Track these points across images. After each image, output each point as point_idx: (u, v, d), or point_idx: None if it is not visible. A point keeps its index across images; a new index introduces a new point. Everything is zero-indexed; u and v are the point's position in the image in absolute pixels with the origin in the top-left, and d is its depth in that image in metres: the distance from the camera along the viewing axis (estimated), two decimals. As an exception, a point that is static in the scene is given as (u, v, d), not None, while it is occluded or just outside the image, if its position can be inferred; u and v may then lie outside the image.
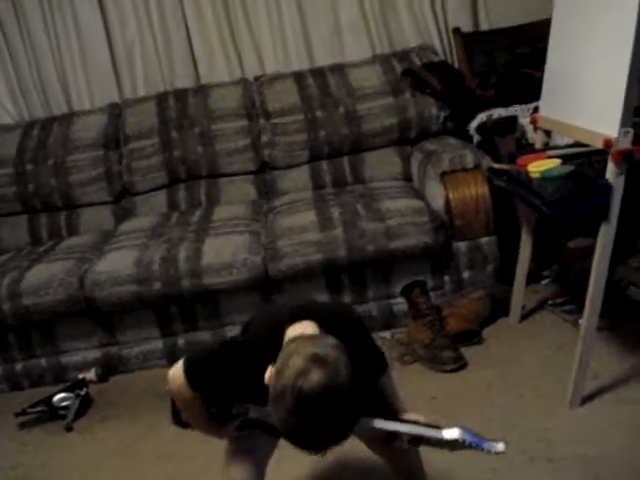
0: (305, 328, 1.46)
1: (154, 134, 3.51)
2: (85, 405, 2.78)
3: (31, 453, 2.57)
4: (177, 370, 1.59)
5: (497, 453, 1.46)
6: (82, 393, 2.78)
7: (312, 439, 1.34)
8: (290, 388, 1.30)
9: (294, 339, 1.41)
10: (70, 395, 2.76)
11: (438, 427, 1.50)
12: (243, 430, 1.64)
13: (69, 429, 2.66)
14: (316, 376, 1.30)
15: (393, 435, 1.51)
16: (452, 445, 1.48)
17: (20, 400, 2.86)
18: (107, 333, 2.98)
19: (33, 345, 3.01)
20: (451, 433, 1.46)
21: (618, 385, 2.29)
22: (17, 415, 2.75)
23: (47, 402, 2.75)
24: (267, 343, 1.48)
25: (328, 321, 1.52)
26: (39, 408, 2.75)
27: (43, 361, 3.02)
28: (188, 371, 1.58)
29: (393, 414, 1.59)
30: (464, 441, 1.46)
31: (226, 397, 1.64)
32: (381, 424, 1.51)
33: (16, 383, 3.04)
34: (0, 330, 2.97)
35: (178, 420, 1.80)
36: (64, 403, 2.74)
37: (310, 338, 1.42)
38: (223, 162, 3.49)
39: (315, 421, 1.31)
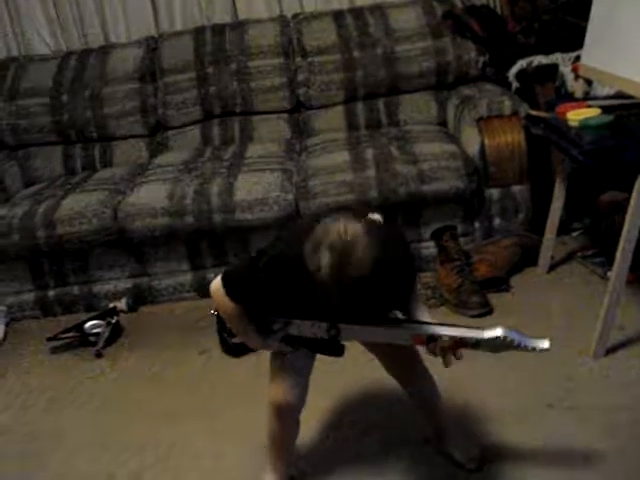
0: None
1: (190, 69, 3.50)
2: (115, 333, 2.83)
3: (61, 377, 2.64)
4: (217, 282, 1.59)
5: (542, 350, 1.45)
6: (113, 321, 2.83)
7: (351, 297, 1.32)
8: (335, 234, 1.31)
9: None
10: (101, 323, 2.82)
11: (479, 328, 1.48)
12: (286, 345, 1.64)
13: (99, 355, 2.72)
14: (364, 229, 1.32)
15: (434, 339, 1.48)
16: (495, 346, 1.45)
17: (52, 326, 2.94)
18: (138, 264, 3.03)
19: (66, 273, 3.06)
20: (493, 332, 1.43)
21: (643, 338, 2.29)
22: (49, 340, 2.82)
23: (78, 328, 2.81)
24: (302, 246, 1.40)
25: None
26: (70, 334, 2.82)
27: (75, 289, 3.08)
28: (227, 282, 1.58)
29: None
30: (506, 338, 1.43)
31: (266, 307, 1.61)
32: (421, 328, 1.51)
33: (49, 309, 3.11)
34: (34, 257, 3.03)
35: (229, 348, 1.80)
36: (95, 330, 2.80)
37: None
38: (258, 99, 3.48)
39: (353, 272, 1.29)
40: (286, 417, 1.74)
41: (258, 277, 1.53)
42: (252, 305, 1.59)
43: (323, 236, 1.33)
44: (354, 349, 1.72)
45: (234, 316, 1.61)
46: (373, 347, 1.79)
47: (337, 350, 1.61)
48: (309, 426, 2.00)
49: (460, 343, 1.47)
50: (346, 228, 1.32)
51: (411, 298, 1.59)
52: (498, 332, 1.43)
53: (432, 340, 1.48)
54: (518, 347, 1.44)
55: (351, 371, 2.17)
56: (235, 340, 1.75)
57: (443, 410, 1.86)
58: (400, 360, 1.77)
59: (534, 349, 1.44)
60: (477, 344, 1.46)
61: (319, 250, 1.32)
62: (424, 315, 1.57)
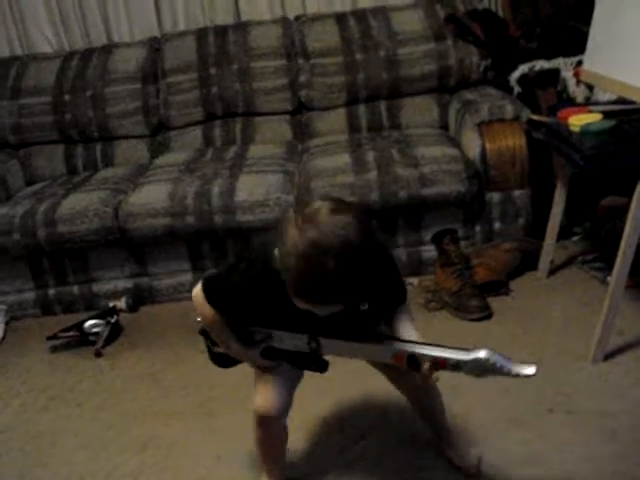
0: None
1: (192, 69, 3.51)
2: (115, 332, 2.84)
3: (61, 376, 2.64)
4: (197, 289, 1.59)
5: (527, 376, 1.37)
6: (112, 321, 2.83)
7: (318, 285, 1.30)
8: (301, 228, 1.30)
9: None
10: (101, 322, 2.82)
11: (464, 350, 1.43)
12: (267, 358, 1.63)
13: (98, 355, 2.72)
14: (331, 215, 1.30)
15: (414, 359, 1.44)
16: (478, 369, 1.39)
17: (52, 325, 2.93)
18: (139, 264, 3.03)
19: (66, 272, 3.07)
20: (477, 354, 1.38)
21: (643, 343, 2.29)
22: (49, 339, 2.82)
23: (78, 327, 2.82)
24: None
25: None
26: (70, 333, 2.82)
27: (75, 288, 3.08)
28: (206, 288, 1.57)
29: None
30: (488, 361, 1.37)
31: (246, 315, 1.59)
32: (403, 346, 1.47)
33: (48, 308, 3.12)
34: (35, 256, 3.03)
35: (213, 357, 1.77)
36: (95, 329, 2.80)
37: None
38: (260, 101, 3.48)
39: (321, 262, 1.27)
40: (270, 426, 1.73)
41: (236, 283, 1.53)
42: (231, 312, 1.58)
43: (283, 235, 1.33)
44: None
45: (214, 323, 1.60)
46: (377, 364, 1.77)
47: (320, 365, 1.59)
48: (307, 429, 2.01)
49: (442, 365, 1.43)
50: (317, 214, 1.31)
51: (397, 311, 1.58)
52: (482, 354, 1.38)
53: (413, 360, 1.44)
54: (501, 371, 1.38)
55: (349, 373, 2.17)
56: (218, 349, 1.71)
57: (446, 417, 1.86)
58: (408, 378, 1.74)
59: (518, 375, 1.37)
60: (458, 366, 1.41)
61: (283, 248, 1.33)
62: (410, 334, 1.53)
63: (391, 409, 2.09)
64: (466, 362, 1.40)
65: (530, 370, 1.36)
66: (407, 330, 1.54)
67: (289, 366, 1.67)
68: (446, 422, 1.87)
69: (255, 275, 1.50)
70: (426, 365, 1.42)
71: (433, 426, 1.88)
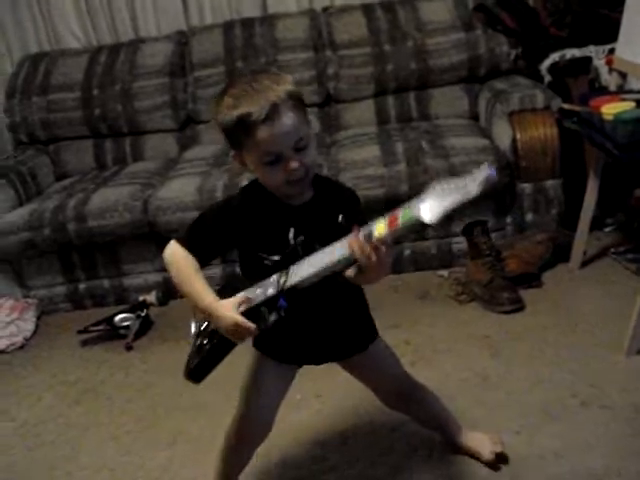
0: None
1: (220, 63, 3.50)
2: (145, 326, 2.86)
3: (92, 369, 2.66)
4: (170, 244, 1.54)
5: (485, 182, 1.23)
6: (143, 314, 2.85)
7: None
8: None
9: None
10: (131, 316, 2.83)
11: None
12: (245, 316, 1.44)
13: (129, 348, 2.74)
14: None
15: (370, 237, 1.32)
16: (437, 203, 1.26)
17: (82, 319, 2.96)
18: (168, 258, 3.04)
19: (97, 266, 3.09)
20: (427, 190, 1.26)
21: (679, 336, 2.25)
22: (79, 332, 2.84)
23: (109, 321, 2.83)
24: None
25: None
26: (101, 327, 2.84)
27: (106, 282, 3.10)
28: (187, 235, 1.54)
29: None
30: (440, 186, 1.26)
31: (232, 242, 1.55)
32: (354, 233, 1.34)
33: (79, 302, 3.14)
34: (65, 251, 3.06)
35: (191, 373, 1.59)
36: (125, 323, 2.82)
37: None
38: (288, 93, 3.47)
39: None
40: (244, 445, 1.72)
41: (233, 204, 1.54)
42: (210, 247, 1.53)
43: None
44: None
45: (189, 275, 1.50)
46: (368, 381, 1.77)
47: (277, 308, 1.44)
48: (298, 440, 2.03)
49: (393, 224, 1.31)
50: None
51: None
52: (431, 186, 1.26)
53: (368, 239, 1.32)
54: (459, 190, 1.24)
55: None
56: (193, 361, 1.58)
57: (450, 414, 1.85)
58: (397, 391, 1.77)
59: (479, 187, 1.23)
60: (413, 217, 1.27)
61: None
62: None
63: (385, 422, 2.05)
64: (417, 206, 1.28)
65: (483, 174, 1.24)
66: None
67: (277, 376, 1.65)
68: (451, 419, 1.85)
69: (252, 190, 1.53)
70: (378, 233, 1.32)
71: (439, 429, 1.87)
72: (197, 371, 1.58)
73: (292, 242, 1.48)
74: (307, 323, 1.55)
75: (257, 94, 1.39)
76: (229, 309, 1.43)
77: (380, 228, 1.33)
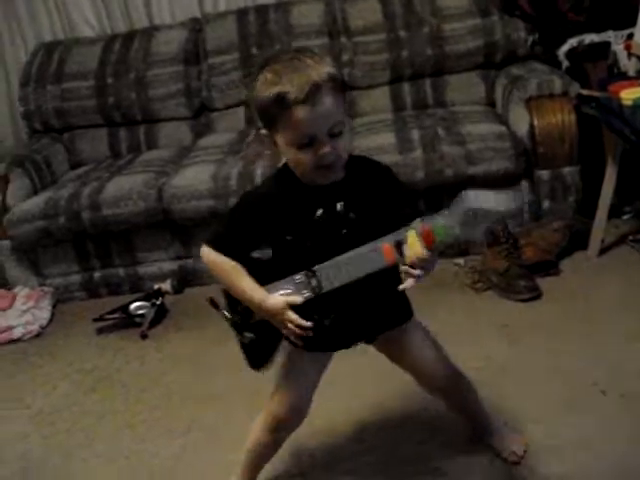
0: None
1: (234, 50, 3.48)
2: (160, 314, 2.86)
3: (107, 357, 2.67)
4: (203, 249, 1.52)
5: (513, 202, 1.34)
6: (158, 303, 2.85)
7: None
8: None
9: None
10: (146, 304, 2.84)
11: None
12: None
13: (144, 336, 2.74)
14: None
15: (400, 243, 1.37)
16: (469, 220, 1.32)
17: (98, 307, 2.96)
18: (183, 246, 3.04)
19: (112, 255, 3.09)
20: (461, 200, 1.31)
21: (699, 323, 2.22)
22: (95, 320, 2.85)
23: (124, 310, 2.84)
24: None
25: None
26: (116, 315, 2.84)
27: (121, 271, 3.11)
28: (211, 238, 1.51)
29: None
30: (474, 198, 1.29)
31: (252, 245, 1.52)
32: (387, 237, 1.39)
33: (94, 291, 3.15)
34: (80, 239, 3.07)
35: (254, 363, 1.66)
36: (140, 311, 2.82)
37: None
38: (302, 80, 3.44)
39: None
40: (280, 431, 1.70)
41: (259, 193, 1.54)
42: (241, 251, 1.50)
43: None
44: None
45: (231, 275, 1.49)
46: (406, 364, 1.73)
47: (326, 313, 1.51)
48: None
49: (429, 239, 1.36)
50: None
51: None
52: (465, 195, 1.31)
53: (400, 247, 1.36)
54: (491, 209, 1.30)
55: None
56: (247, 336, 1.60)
57: (483, 407, 1.82)
58: (437, 375, 1.73)
59: (508, 206, 1.32)
60: (449, 231, 1.34)
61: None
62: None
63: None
64: (452, 217, 1.32)
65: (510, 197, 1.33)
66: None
67: (311, 368, 1.63)
68: (484, 411, 1.82)
69: (277, 178, 1.51)
70: (412, 241, 1.36)
71: (471, 418, 1.84)
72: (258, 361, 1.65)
73: (319, 220, 1.46)
74: (341, 300, 1.50)
75: (299, 72, 1.34)
76: (282, 306, 1.46)
77: (414, 244, 1.36)
